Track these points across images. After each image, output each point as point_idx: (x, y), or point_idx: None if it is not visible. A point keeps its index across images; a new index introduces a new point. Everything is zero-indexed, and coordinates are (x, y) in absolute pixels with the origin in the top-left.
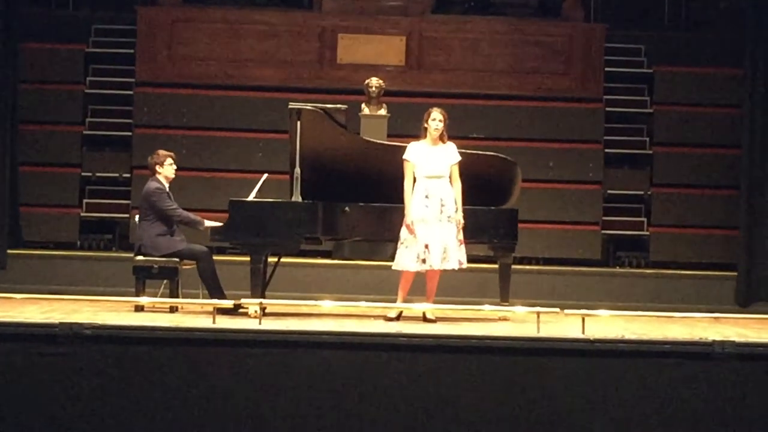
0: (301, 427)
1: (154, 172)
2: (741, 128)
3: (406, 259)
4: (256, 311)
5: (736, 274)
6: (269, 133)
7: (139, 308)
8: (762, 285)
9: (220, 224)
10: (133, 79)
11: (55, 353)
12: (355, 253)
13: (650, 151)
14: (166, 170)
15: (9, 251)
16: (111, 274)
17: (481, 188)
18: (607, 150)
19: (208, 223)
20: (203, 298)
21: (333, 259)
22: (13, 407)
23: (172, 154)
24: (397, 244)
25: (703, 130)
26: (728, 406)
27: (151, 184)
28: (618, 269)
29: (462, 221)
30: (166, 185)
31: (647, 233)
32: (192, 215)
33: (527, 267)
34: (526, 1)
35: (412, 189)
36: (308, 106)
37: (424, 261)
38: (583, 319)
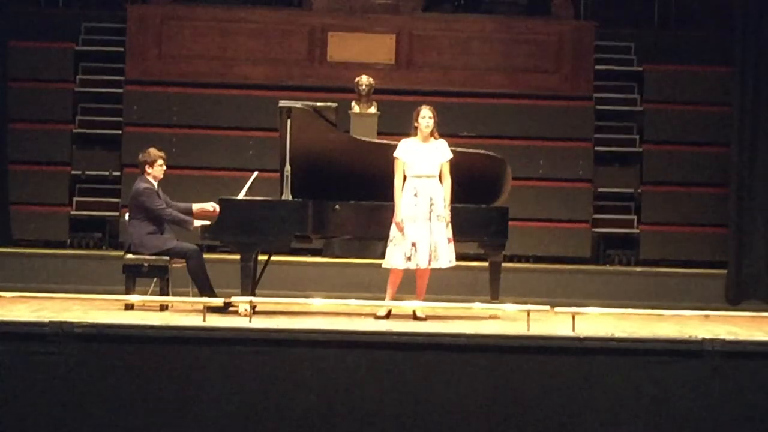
0: (291, 425)
1: (143, 171)
2: (730, 126)
3: (395, 256)
4: (246, 309)
5: (725, 271)
6: (259, 131)
7: (129, 307)
8: (751, 282)
9: (210, 222)
10: (123, 77)
11: (44, 352)
12: (345, 251)
13: (640, 149)
14: (156, 171)
15: None
16: (101, 273)
17: (471, 186)
18: (597, 148)
19: (197, 223)
20: (193, 296)
21: (323, 257)
22: (2, 406)
23: (163, 155)
24: (387, 242)
25: (693, 128)
26: (718, 403)
27: (140, 185)
28: (608, 267)
29: (448, 219)
30: (155, 184)
31: (637, 231)
32: (181, 215)
33: (517, 265)
34: None
35: (402, 187)
36: (298, 104)
37: (410, 259)
38: (573, 317)
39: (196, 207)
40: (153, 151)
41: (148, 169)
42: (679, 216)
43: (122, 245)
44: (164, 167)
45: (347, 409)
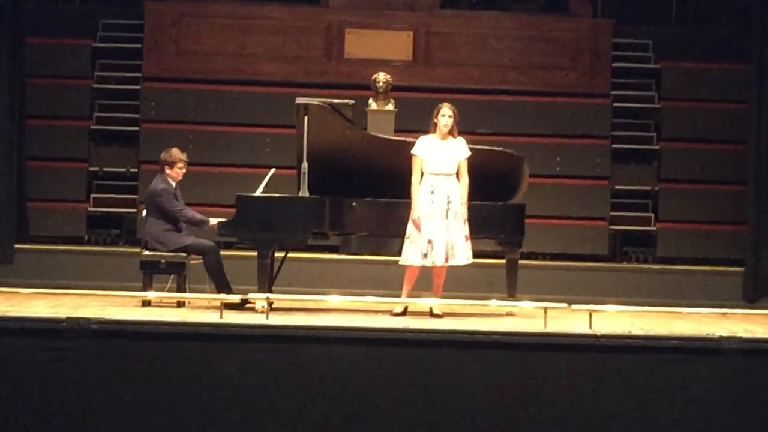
0: (307, 421)
1: (162, 170)
2: (748, 124)
3: (411, 254)
4: (263, 306)
5: (743, 269)
6: (276, 128)
7: (146, 303)
8: None
9: (226, 219)
10: (140, 74)
11: (61, 348)
12: (362, 248)
13: (657, 147)
14: (175, 172)
15: (16, 246)
16: (118, 269)
17: (489, 183)
18: (614, 145)
19: (213, 221)
20: (210, 292)
21: (340, 254)
22: (20, 401)
23: (185, 157)
24: (403, 239)
25: (711, 126)
26: (735, 401)
27: (158, 185)
28: (625, 265)
29: (465, 216)
30: (173, 184)
31: (654, 229)
32: (198, 215)
33: (534, 262)
34: None
35: (420, 184)
36: (315, 101)
37: (426, 256)
38: (590, 315)
39: (214, 221)
40: (176, 152)
41: (168, 170)
42: (697, 213)
43: (139, 242)
44: (184, 169)
45: (364, 405)
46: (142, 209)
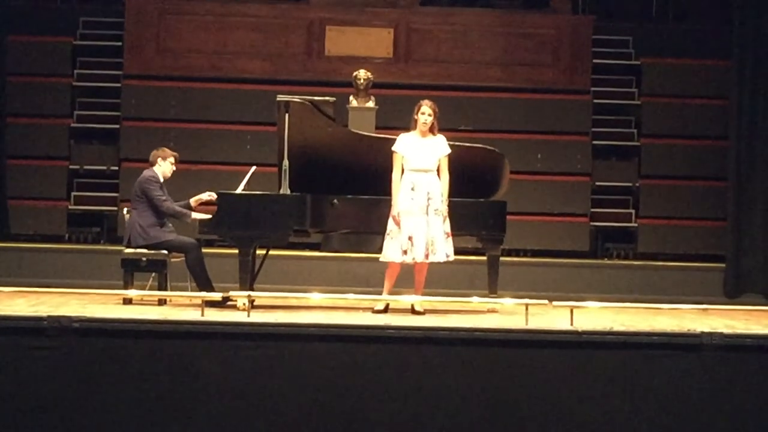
0: (289, 419)
1: (153, 164)
2: (729, 119)
3: (391, 250)
4: (244, 304)
5: (724, 265)
6: (257, 125)
7: (127, 301)
8: (750, 276)
9: (209, 216)
10: (120, 72)
11: (43, 346)
12: (344, 245)
13: (638, 143)
14: (165, 167)
15: None
16: (99, 267)
17: (470, 180)
18: (595, 142)
19: (195, 215)
20: (192, 290)
21: (321, 251)
22: (0, 400)
23: (176, 154)
24: (384, 236)
25: (691, 122)
26: (716, 397)
27: (147, 173)
28: (606, 261)
29: (445, 213)
30: (162, 179)
31: (635, 225)
32: (180, 208)
33: (516, 259)
34: None
35: (400, 180)
36: (296, 99)
37: (406, 253)
38: (572, 311)
39: (193, 200)
40: (166, 148)
41: (160, 162)
42: (678, 210)
43: (120, 240)
44: (174, 168)
45: (345, 403)
46: (123, 207)
